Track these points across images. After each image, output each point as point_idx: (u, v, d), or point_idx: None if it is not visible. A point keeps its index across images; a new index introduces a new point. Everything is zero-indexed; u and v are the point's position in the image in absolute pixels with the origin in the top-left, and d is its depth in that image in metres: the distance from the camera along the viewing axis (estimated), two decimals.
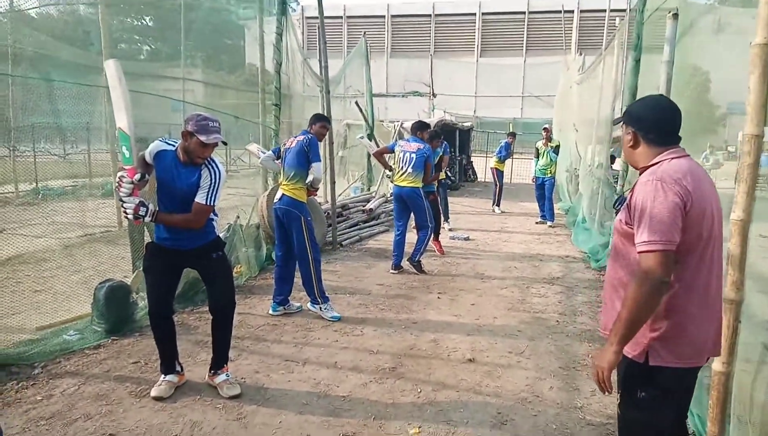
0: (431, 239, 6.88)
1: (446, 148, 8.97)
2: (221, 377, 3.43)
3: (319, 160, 4.85)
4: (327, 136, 5.99)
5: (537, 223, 10.54)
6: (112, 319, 4.20)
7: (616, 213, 2.05)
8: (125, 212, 3.05)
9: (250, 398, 3.35)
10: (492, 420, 3.18)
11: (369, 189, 12.01)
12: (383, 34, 31.07)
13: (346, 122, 12.47)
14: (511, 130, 13.64)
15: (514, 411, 3.29)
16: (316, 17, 8.00)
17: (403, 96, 21.74)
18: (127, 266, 5.27)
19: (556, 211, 10.96)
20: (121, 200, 3.05)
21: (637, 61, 5.71)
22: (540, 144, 10.47)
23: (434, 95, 21.31)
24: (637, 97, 5.61)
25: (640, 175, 1.95)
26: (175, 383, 3.41)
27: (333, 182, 7.99)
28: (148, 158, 3.23)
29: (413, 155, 6.38)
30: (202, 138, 3.07)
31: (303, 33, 28.13)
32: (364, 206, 9.78)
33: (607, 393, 1.90)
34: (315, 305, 4.88)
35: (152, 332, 3.42)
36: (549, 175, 10.36)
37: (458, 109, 23.65)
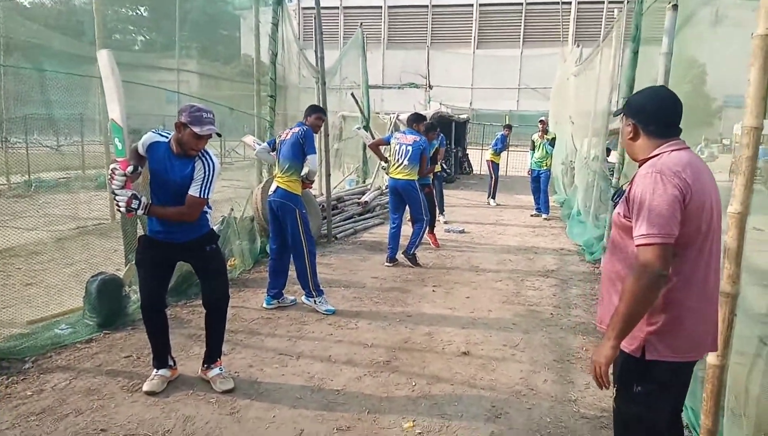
0: (426, 231, 6.86)
1: (442, 141, 8.94)
2: (214, 371, 3.41)
3: (315, 153, 4.80)
4: (323, 128, 5.94)
5: (532, 215, 10.53)
6: (104, 313, 4.17)
7: (615, 206, 2.02)
8: (117, 205, 3.02)
9: (244, 393, 3.33)
10: (486, 413, 3.17)
11: (364, 181, 11.97)
12: (380, 25, 30.88)
13: (342, 114, 12.40)
14: (507, 123, 13.59)
15: (508, 404, 3.28)
16: (313, 7, 7.93)
17: (399, 88, 21.62)
18: (119, 259, 5.24)
19: (551, 203, 10.95)
20: (114, 193, 3.01)
21: (635, 53, 5.66)
22: (536, 136, 10.44)
23: (430, 87, 21.21)
24: (635, 90, 5.58)
25: (639, 167, 1.93)
26: (167, 377, 3.38)
27: (328, 175, 7.94)
28: (141, 150, 3.18)
29: (409, 148, 6.34)
30: (196, 129, 3.03)
31: (299, 23, 27.92)
32: (359, 199, 9.74)
33: (604, 388, 1.88)
34: (309, 299, 4.85)
35: (145, 325, 3.39)
36: (545, 167, 10.34)
37: (454, 101, 23.55)
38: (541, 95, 24.67)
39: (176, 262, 3.53)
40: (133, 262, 4.17)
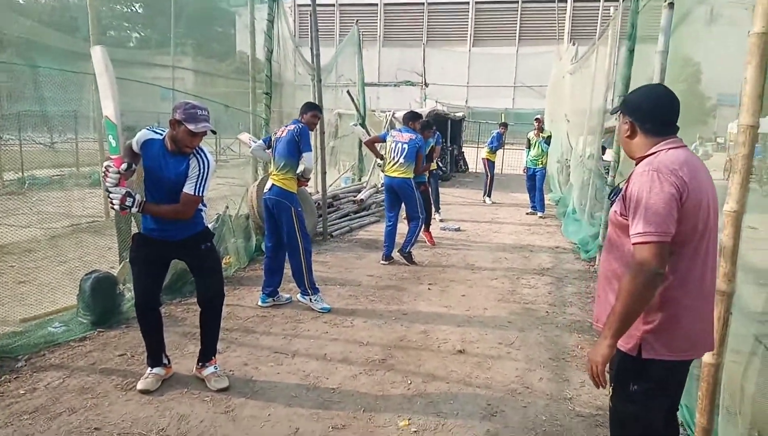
0: (422, 229, 6.85)
1: (438, 139, 8.94)
2: (209, 370, 3.39)
3: (310, 150, 4.78)
4: (318, 126, 5.93)
5: (527, 214, 10.55)
6: (98, 311, 4.14)
7: (612, 204, 2.02)
8: (111, 203, 2.99)
9: (239, 391, 3.31)
10: (482, 412, 3.17)
11: (360, 179, 11.95)
12: (376, 22, 30.85)
13: (338, 112, 12.37)
14: (503, 121, 13.59)
15: (503, 403, 3.28)
16: (308, 4, 7.89)
17: (395, 85, 21.59)
18: (113, 256, 5.21)
19: (546, 202, 10.97)
20: (108, 190, 2.98)
21: (631, 51, 5.67)
22: (531, 134, 10.45)
23: (426, 85, 21.20)
24: (630, 88, 5.58)
25: (636, 165, 1.92)
26: (162, 375, 3.36)
27: (324, 172, 7.93)
28: (135, 147, 3.16)
29: (405, 146, 6.33)
30: (191, 127, 3.01)
31: (294, 21, 27.84)
32: (354, 197, 9.73)
33: (601, 387, 1.88)
34: (305, 297, 4.84)
35: (139, 324, 3.36)
36: (540, 165, 10.35)
37: (450, 99, 23.55)
38: (537, 93, 24.70)
39: (171, 260, 3.51)
40: (127, 260, 4.15)
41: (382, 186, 7.62)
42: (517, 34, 29.49)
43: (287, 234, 4.72)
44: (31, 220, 6.65)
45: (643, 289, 1.74)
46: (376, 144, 6.87)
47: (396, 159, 6.35)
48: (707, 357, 2.39)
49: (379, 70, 28.58)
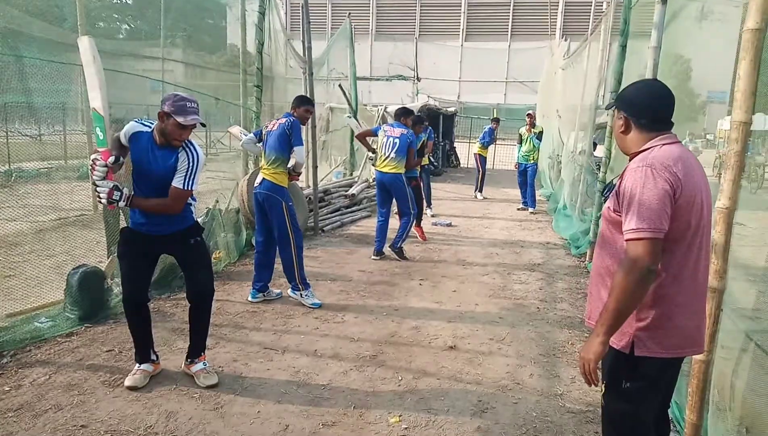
0: (413, 225, 6.84)
1: (430, 134, 8.92)
2: (198, 366, 3.36)
3: (302, 144, 4.74)
4: (310, 120, 5.87)
5: (519, 209, 10.56)
6: (85, 306, 4.09)
7: (605, 200, 2.01)
8: (99, 197, 2.94)
9: (228, 387, 3.28)
10: (473, 408, 3.16)
11: (351, 174, 11.91)
12: (368, 16, 30.70)
13: (330, 106, 12.31)
14: (495, 116, 13.59)
15: (494, 399, 3.28)
16: None
17: (387, 80, 21.51)
18: (101, 251, 5.14)
19: (537, 197, 10.99)
20: (95, 184, 2.94)
21: (623, 47, 5.67)
22: (523, 130, 10.44)
23: (418, 79, 21.15)
24: (622, 84, 5.59)
25: (630, 161, 1.91)
26: (150, 372, 3.32)
27: (315, 167, 7.88)
28: (123, 140, 3.11)
29: (396, 140, 6.31)
30: (180, 119, 2.96)
31: (286, 13, 27.66)
32: (346, 191, 9.69)
33: (593, 385, 1.87)
34: (295, 292, 4.81)
35: (127, 319, 3.31)
36: (532, 161, 10.36)
37: (442, 94, 23.52)
38: (529, 89, 24.72)
39: (159, 254, 3.46)
40: (116, 254, 4.10)
41: (373, 181, 7.60)
42: (510, 29, 29.47)
43: (278, 229, 4.68)
44: (18, 213, 6.53)
45: (636, 286, 1.72)
46: (367, 138, 6.84)
47: (387, 154, 6.32)
48: (698, 354, 2.39)
49: (371, 64, 28.44)
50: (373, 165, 6.69)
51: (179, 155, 3.08)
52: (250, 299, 4.81)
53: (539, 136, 10.41)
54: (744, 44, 2.18)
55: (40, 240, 5.75)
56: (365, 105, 14.53)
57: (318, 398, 3.21)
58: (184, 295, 3.42)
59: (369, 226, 8.06)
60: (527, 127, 10.36)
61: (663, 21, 4.27)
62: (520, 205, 10.63)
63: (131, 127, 3.11)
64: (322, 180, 9.70)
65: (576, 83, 10.21)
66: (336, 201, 9.25)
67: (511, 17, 29.47)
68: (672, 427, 2.74)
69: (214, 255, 5.54)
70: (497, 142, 14.21)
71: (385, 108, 12.90)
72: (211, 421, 2.93)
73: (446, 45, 29.74)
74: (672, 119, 1.93)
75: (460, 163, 19.26)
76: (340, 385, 3.38)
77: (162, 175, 3.07)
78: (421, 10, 30.58)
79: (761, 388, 2.47)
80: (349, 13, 12.52)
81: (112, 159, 2.93)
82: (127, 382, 3.21)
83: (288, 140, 4.63)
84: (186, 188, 3.07)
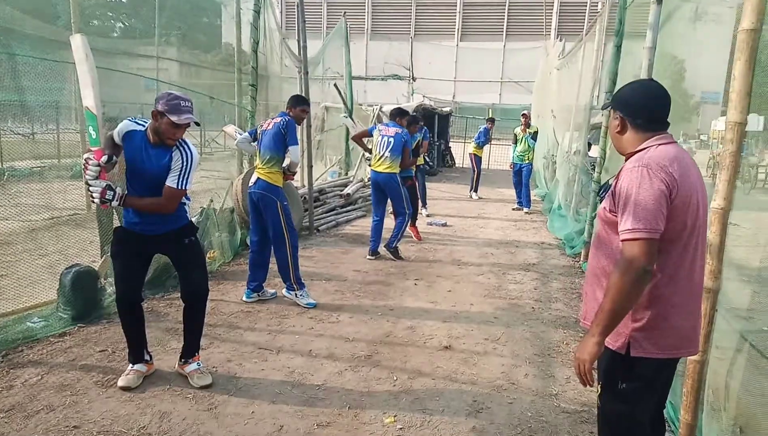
0: (408, 224, 6.83)
1: (426, 134, 8.92)
2: (192, 366, 3.34)
3: (297, 144, 4.71)
4: (305, 120, 5.85)
5: (513, 209, 10.57)
6: (78, 305, 4.06)
7: (601, 200, 2.00)
8: (91, 196, 2.92)
9: (222, 388, 3.26)
10: (468, 408, 3.16)
11: (347, 173, 11.89)
12: (363, 15, 30.69)
13: (325, 105, 12.28)
14: (490, 116, 13.59)
15: (489, 399, 3.27)
16: None
17: (382, 79, 21.53)
18: (95, 250, 5.11)
19: (532, 197, 11.00)
20: (88, 183, 2.91)
21: (618, 47, 5.67)
22: (518, 130, 10.45)
23: (414, 79, 21.16)
24: (617, 84, 5.60)
25: (626, 161, 1.91)
26: (143, 372, 3.30)
27: (310, 166, 7.86)
28: (117, 139, 3.08)
29: (391, 139, 6.31)
30: (173, 118, 2.94)
31: (281, 12, 27.61)
32: (341, 191, 9.67)
33: (588, 386, 1.86)
34: (290, 292, 4.79)
35: (120, 319, 3.28)
36: (527, 161, 10.36)
37: (437, 93, 23.55)
38: (524, 89, 24.77)
39: (153, 254, 3.44)
40: (109, 254, 4.07)
41: (368, 181, 7.59)
42: (505, 29, 29.53)
43: (273, 228, 4.67)
44: (10, 212, 6.47)
45: (632, 286, 1.72)
46: (363, 138, 6.84)
47: (382, 153, 6.31)
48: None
49: (367, 64, 28.45)
50: (369, 165, 6.69)
51: (173, 154, 3.06)
52: (244, 298, 4.79)
53: (534, 136, 10.42)
54: (739, 44, 2.18)
55: (32, 239, 5.71)
56: (361, 104, 14.53)
57: (313, 398, 3.20)
58: (178, 295, 3.40)
59: (364, 225, 8.04)
60: (522, 127, 10.37)
61: (658, 21, 4.27)
62: (515, 206, 10.64)
63: (125, 125, 3.09)
64: (317, 179, 9.68)
65: (571, 83, 10.22)
66: (331, 201, 9.24)
67: (506, 17, 29.53)
68: (666, 427, 2.75)
69: (208, 255, 5.51)
70: (492, 143, 14.22)
71: (381, 108, 12.89)
72: (204, 421, 2.91)
73: (441, 45, 29.77)
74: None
75: (455, 163, 19.26)
76: (334, 385, 3.36)
77: (156, 174, 3.05)
78: (416, 9, 30.59)
79: (755, 388, 2.47)
80: (345, 12, 12.49)
81: (104, 158, 2.91)
82: (121, 382, 3.19)
83: (283, 139, 4.61)
84: (180, 188, 3.05)
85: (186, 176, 3.07)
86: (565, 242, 7.43)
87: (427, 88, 22.82)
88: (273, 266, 4.84)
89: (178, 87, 6.50)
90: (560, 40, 13.99)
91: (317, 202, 8.67)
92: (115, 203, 2.95)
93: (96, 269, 4.41)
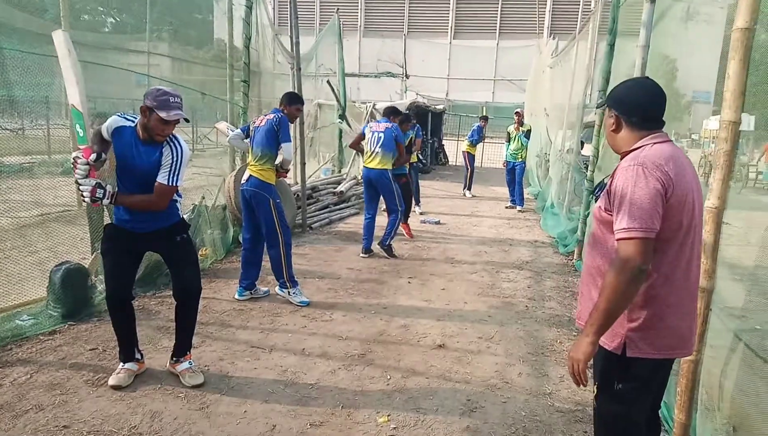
0: (401, 222, 6.82)
1: (418, 131, 8.90)
2: (184, 365, 3.31)
3: (289, 141, 4.68)
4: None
5: (507, 207, 10.58)
6: (68, 303, 4.02)
7: (596, 200, 1.99)
8: (82, 195, 2.88)
9: (214, 387, 3.24)
10: (461, 407, 3.15)
11: (340, 171, 11.85)
12: (356, 12, 30.58)
13: (318, 102, 12.22)
14: (483, 114, 13.60)
15: (483, 398, 3.26)
16: None
17: (375, 76, 21.46)
18: (85, 247, 5.05)
19: (525, 195, 11.02)
20: (77, 182, 2.87)
21: (612, 46, 5.68)
22: (512, 128, 10.46)
23: (407, 76, 21.11)
24: (610, 83, 5.60)
25: (621, 159, 1.89)
26: (134, 371, 3.26)
27: (303, 164, 7.82)
28: (105, 134, 3.04)
29: (381, 135, 6.30)
30: (162, 114, 2.90)
31: (274, 8, 27.43)
32: (334, 188, 9.64)
33: (582, 387, 1.86)
34: (283, 290, 4.76)
35: (111, 317, 3.24)
36: (520, 159, 10.38)
37: (431, 91, 23.49)
38: (517, 87, 24.77)
39: (144, 252, 3.41)
40: (99, 251, 4.02)
41: (362, 178, 7.55)
42: (498, 27, 29.52)
43: (266, 226, 4.63)
44: None
45: (627, 285, 1.71)
46: (360, 143, 6.75)
47: (373, 148, 6.30)
48: None
49: (360, 61, 28.34)
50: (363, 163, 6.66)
51: (163, 150, 3.03)
52: (237, 296, 4.75)
53: (527, 134, 10.43)
54: (733, 43, 2.17)
55: (21, 236, 5.62)
56: (354, 102, 14.47)
57: (305, 397, 3.18)
58: (170, 292, 3.37)
59: (357, 223, 8.01)
60: (515, 125, 10.38)
61: (651, 20, 4.27)
62: (509, 204, 10.66)
63: (114, 121, 3.05)
64: (310, 177, 9.64)
65: (564, 82, 10.24)
66: (324, 198, 9.20)
67: (499, 15, 29.51)
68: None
69: (200, 252, 5.47)
70: (485, 141, 14.22)
71: (374, 105, 12.86)
72: (196, 421, 2.88)
73: (435, 42, 29.71)
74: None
75: (448, 160, 19.27)
76: (328, 384, 3.34)
77: (146, 170, 3.01)
78: (409, 7, 30.52)
79: (749, 387, 2.48)
80: (338, 9, 12.43)
81: (93, 157, 2.87)
82: (111, 381, 3.15)
83: (276, 137, 4.58)
84: (171, 184, 3.01)
85: (177, 172, 3.03)
86: (558, 240, 7.45)
87: (420, 85, 22.76)
88: (266, 263, 4.81)
89: (169, 83, 6.45)
90: (553, 39, 14.01)
91: (310, 200, 8.63)
92: (105, 201, 2.91)
93: (86, 266, 4.37)
